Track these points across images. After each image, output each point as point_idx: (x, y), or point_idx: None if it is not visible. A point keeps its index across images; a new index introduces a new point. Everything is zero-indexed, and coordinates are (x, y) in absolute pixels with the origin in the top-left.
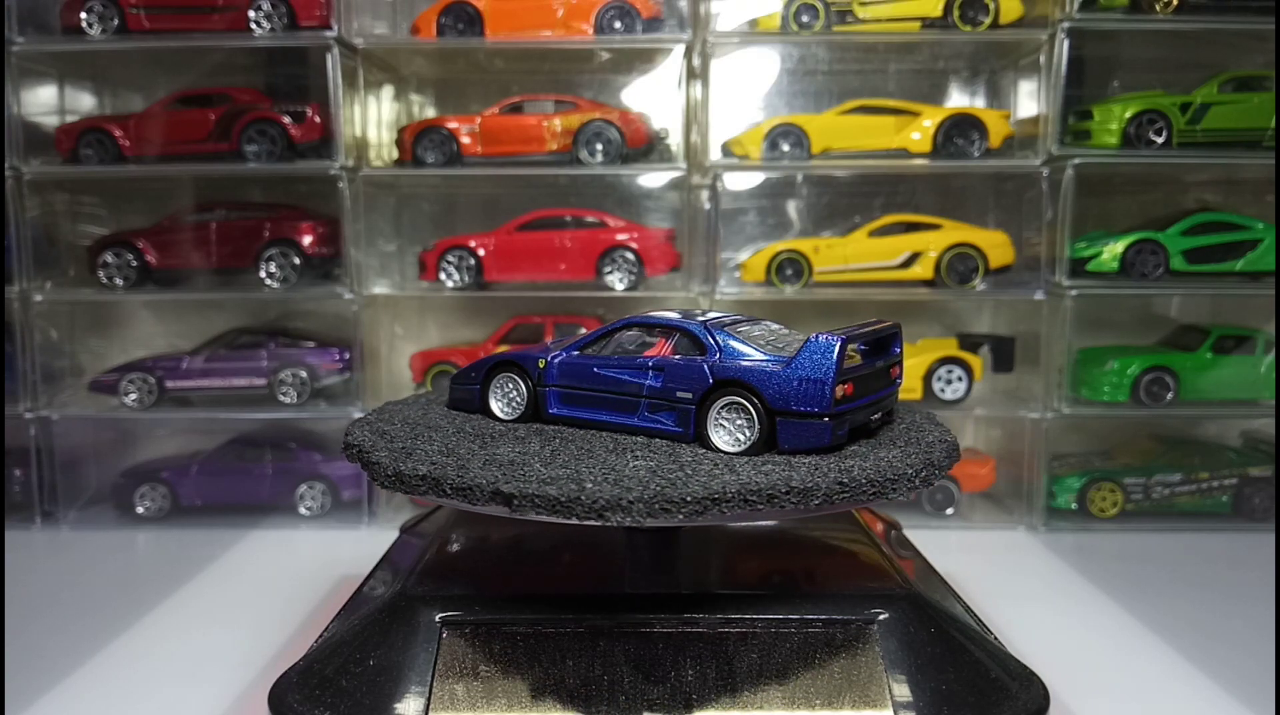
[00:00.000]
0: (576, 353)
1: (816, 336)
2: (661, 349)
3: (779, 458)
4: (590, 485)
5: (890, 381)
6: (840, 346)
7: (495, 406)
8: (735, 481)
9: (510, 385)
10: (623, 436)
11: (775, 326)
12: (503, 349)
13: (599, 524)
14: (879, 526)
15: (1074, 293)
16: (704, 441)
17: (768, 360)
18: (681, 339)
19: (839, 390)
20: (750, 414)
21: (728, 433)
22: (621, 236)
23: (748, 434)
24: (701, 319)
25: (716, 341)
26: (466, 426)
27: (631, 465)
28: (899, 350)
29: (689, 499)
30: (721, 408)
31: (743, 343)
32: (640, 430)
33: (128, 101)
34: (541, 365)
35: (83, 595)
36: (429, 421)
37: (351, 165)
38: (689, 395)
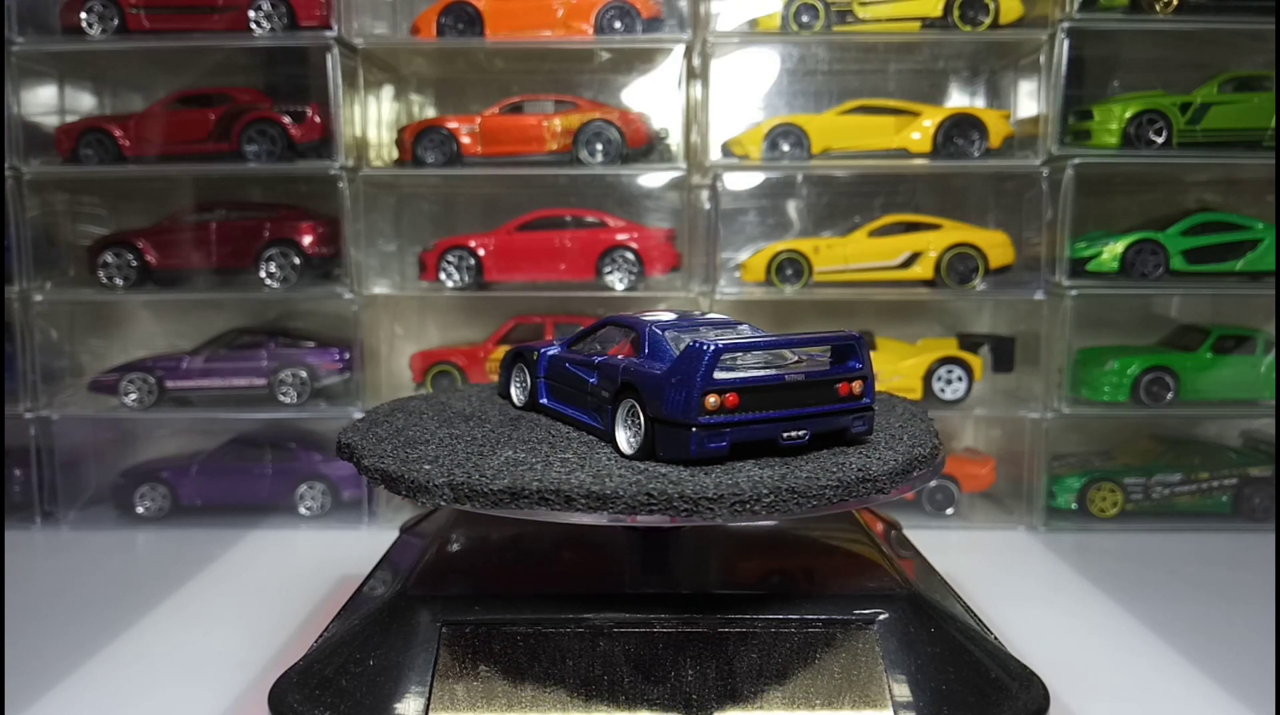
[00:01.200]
0: (563, 348)
1: (695, 343)
2: (621, 348)
3: (662, 466)
4: (457, 474)
5: (837, 397)
6: (712, 354)
7: (513, 393)
8: (587, 480)
9: (521, 375)
10: (578, 431)
11: (749, 331)
12: (503, 349)
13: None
14: (879, 526)
15: (1074, 293)
16: (614, 441)
17: (658, 365)
18: (636, 338)
19: (712, 400)
20: (640, 418)
21: (628, 435)
22: (621, 236)
23: (638, 438)
24: (665, 319)
25: (648, 344)
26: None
27: (511, 456)
28: (857, 365)
29: (494, 489)
30: (625, 410)
31: (674, 347)
32: (587, 426)
33: (128, 101)
34: (535, 358)
35: (83, 595)
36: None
37: (351, 165)
38: (607, 395)
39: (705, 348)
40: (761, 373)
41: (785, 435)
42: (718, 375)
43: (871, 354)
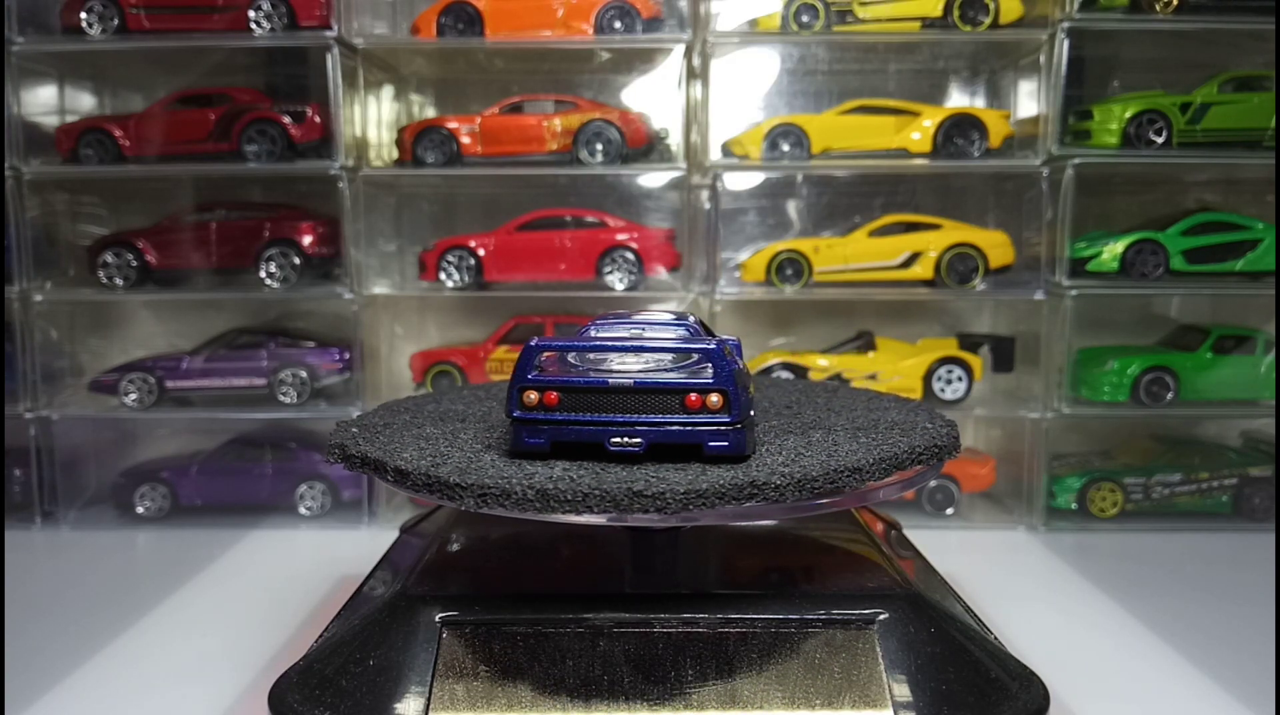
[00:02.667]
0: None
1: (531, 340)
2: None
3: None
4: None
5: (683, 409)
6: (526, 352)
7: None
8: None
9: None
10: None
11: (676, 331)
12: (503, 350)
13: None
14: (879, 526)
15: (1074, 293)
16: None
17: None
18: None
19: (530, 396)
20: None
21: None
22: (621, 236)
23: None
24: (611, 320)
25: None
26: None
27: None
28: (709, 379)
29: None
30: None
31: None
32: None
33: (128, 101)
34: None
35: (83, 595)
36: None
37: (351, 165)
38: None
39: (529, 345)
40: (588, 375)
41: (613, 441)
42: (542, 374)
43: (871, 354)
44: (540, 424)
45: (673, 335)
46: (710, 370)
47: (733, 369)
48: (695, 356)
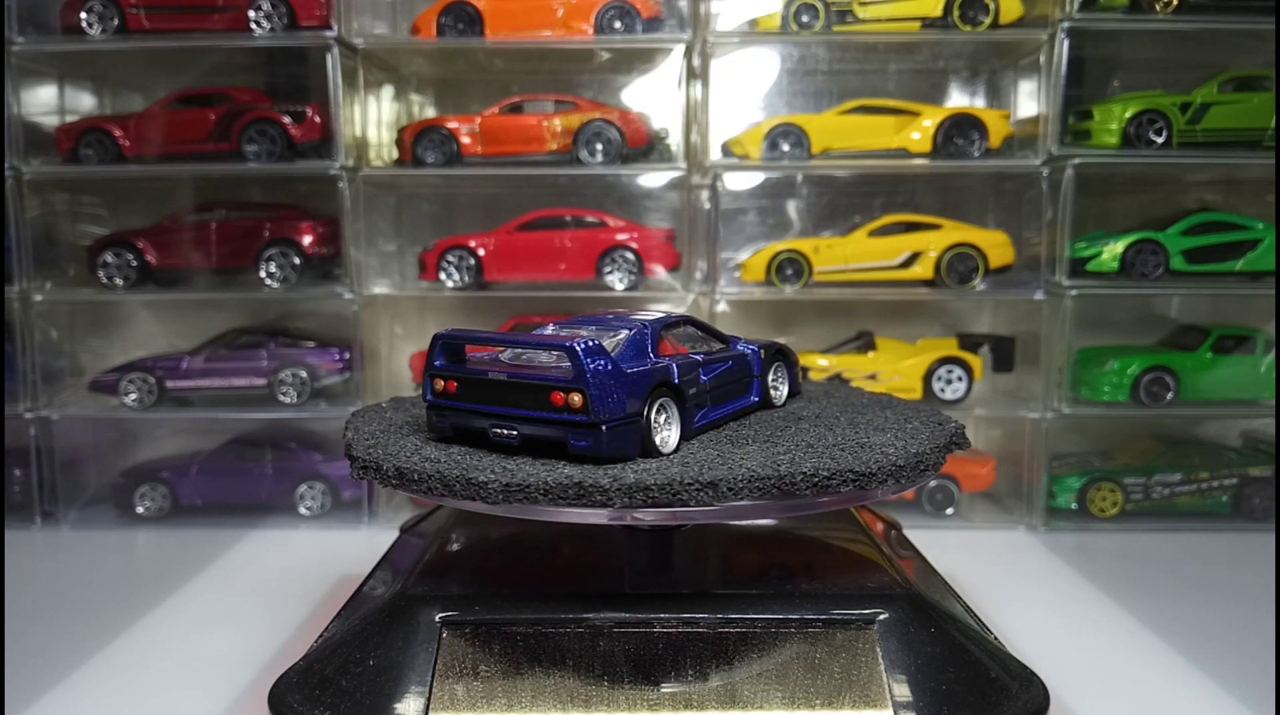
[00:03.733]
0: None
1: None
2: None
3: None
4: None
5: (549, 406)
6: (433, 340)
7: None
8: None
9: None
10: None
11: (621, 330)
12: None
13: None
14: (879, 526)
15: (1074, 293)
16: None
17: None
18: None
19: (438, 384)
20: None
21: None
22: (621, 236)
23: None
24: (583, 318)
25: None
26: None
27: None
28: (571, 377)
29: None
30: None
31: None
32: None
33: (128, 101)
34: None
35: (83, 595)
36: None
37: (351, 165)
38: None
39: (435, 335)
40: (476, 367)
41: (494, 431)
42: (450, 363)
43: (871, 354)
44: (444, 410)
45: (599, 333)
46: (572, 369)
47: (600, 369)
48: (558, 355)
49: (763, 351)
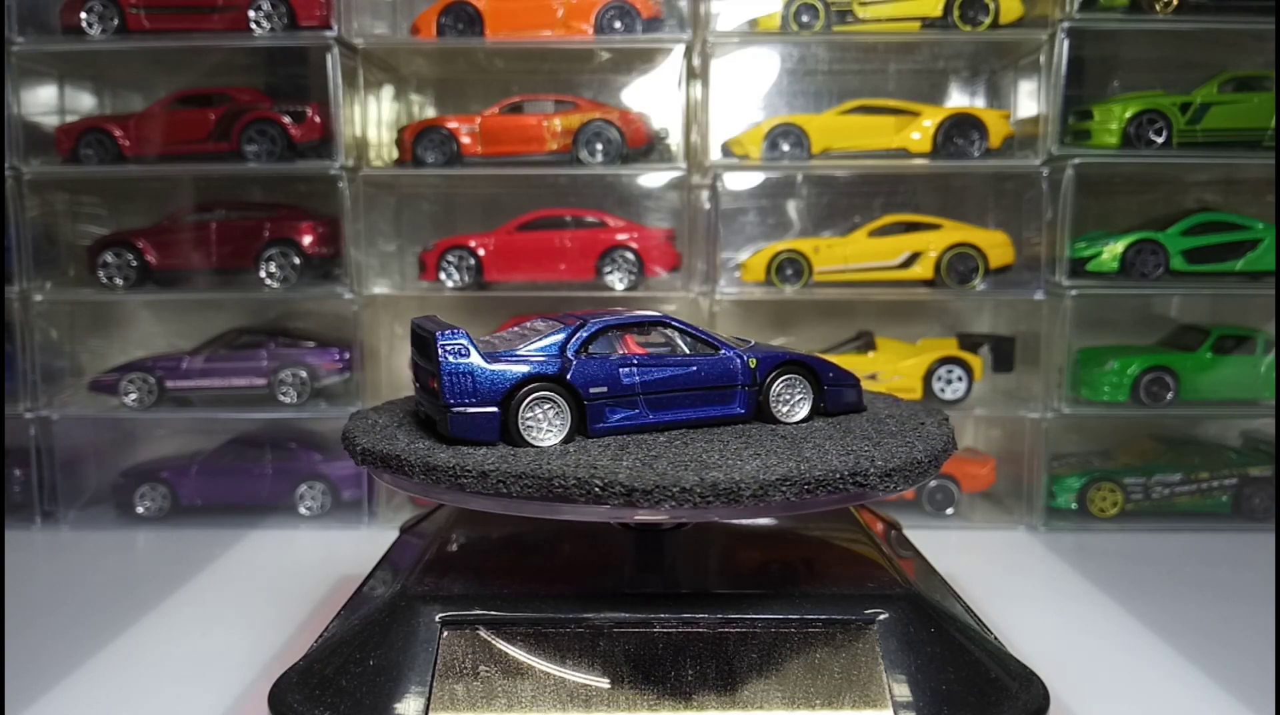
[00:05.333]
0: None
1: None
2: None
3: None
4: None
5: (427, 389)
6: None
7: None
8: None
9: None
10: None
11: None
12: None
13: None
14: (879, 526)
15: (1074, 293)
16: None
17: None
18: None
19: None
20: None
21: None
22: (621, 236)
23: None
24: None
25: None
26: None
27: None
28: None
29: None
30: None
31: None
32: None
33: (128, 101)
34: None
35: (83, 595)
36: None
37: (351, 165)
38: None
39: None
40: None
41: (420, 409)
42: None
43: (871, 354)
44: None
45: (545, 328)
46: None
47: (451, 357)
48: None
49: (752, 360)
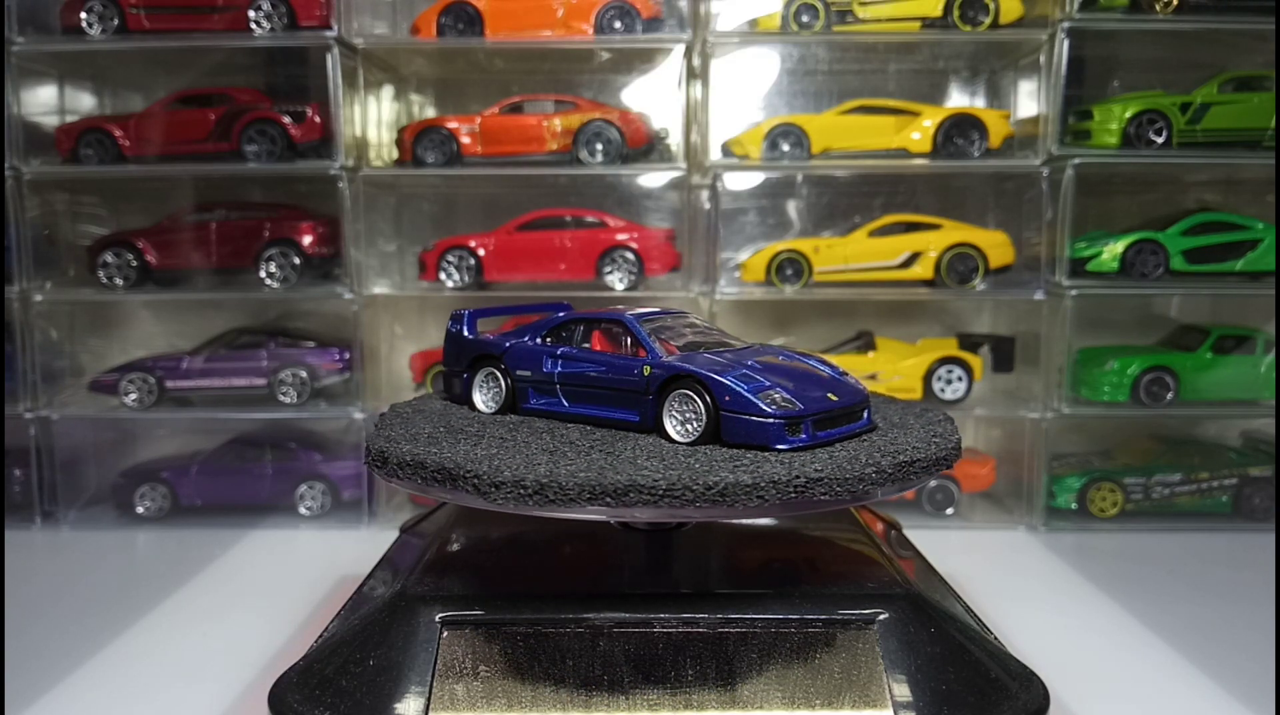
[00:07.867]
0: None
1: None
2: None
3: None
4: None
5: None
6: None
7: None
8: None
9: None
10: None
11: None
12: None
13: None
14: (879, 526)
15: (1074, 293)
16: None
17: None
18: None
19: None
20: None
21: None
22: (621, 236)
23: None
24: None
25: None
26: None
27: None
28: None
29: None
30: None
31: None
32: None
33: (128, 101)
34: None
35: (83, 595)
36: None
37: (351, 165)
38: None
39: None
40: None
41: None
42: None
43: (871, 354)
44: None
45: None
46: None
47: (450, 331)
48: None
49: (647, 368)
